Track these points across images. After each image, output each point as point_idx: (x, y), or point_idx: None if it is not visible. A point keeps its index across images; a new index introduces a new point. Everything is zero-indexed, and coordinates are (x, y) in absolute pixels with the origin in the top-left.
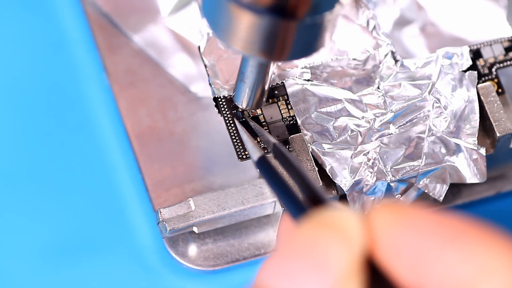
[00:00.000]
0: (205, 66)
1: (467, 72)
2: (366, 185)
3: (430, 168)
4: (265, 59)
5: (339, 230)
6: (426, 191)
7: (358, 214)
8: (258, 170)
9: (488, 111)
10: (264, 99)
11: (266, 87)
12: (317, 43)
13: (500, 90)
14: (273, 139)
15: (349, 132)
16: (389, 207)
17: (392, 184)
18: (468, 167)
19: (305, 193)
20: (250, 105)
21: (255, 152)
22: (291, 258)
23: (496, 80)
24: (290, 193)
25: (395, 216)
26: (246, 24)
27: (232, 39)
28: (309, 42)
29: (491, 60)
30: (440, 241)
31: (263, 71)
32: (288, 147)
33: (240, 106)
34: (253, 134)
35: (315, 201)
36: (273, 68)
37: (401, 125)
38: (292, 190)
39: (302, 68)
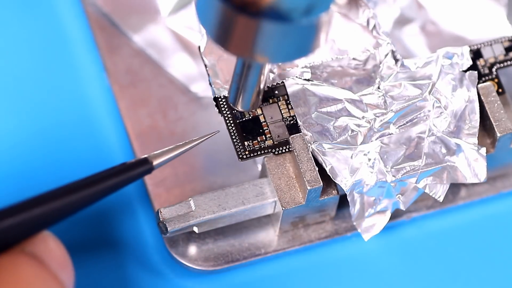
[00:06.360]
0: (205, 66)
1: (468, 72)
2: (366, 185)
3: (430, 168)
4: (259, 61)
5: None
6: (426, 191)
7: None
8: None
9: (488, 111)
10: (259, 101)
11: (261, 89)
12: (312, 44)
13: (500, 90)
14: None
15: (350, 132)
16: None
17: (392, 184)
18: (468, 167)
19: None
20: (246, 107)
21: None
22: None
23: (496, 80)
24: None
25: None
26: (239, 27)
27: (226, 42)
28: (303, 44)
29: (492, 60)
30: None
31: (257, 73)
32: (288, 147)
33: (236, 108)
34: (253, 133)
35: None
36: (268, 70)
37: (401, 125)
38: None
39: (302, 67)
